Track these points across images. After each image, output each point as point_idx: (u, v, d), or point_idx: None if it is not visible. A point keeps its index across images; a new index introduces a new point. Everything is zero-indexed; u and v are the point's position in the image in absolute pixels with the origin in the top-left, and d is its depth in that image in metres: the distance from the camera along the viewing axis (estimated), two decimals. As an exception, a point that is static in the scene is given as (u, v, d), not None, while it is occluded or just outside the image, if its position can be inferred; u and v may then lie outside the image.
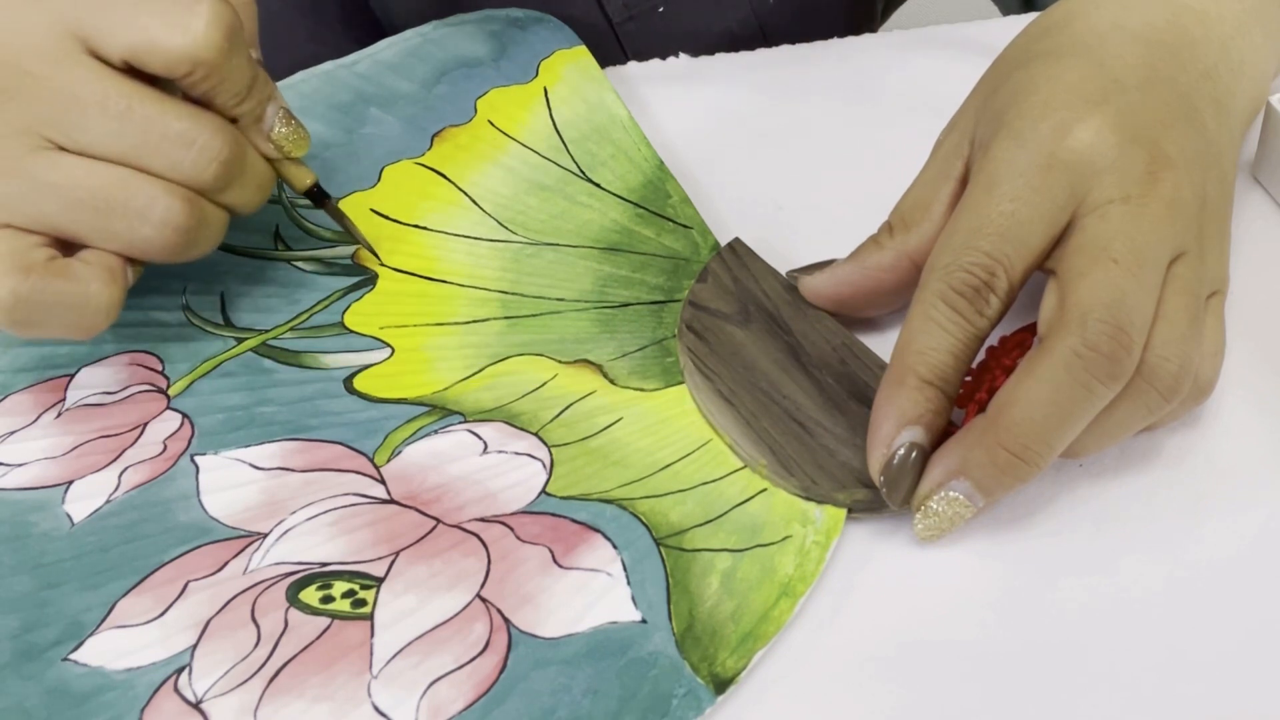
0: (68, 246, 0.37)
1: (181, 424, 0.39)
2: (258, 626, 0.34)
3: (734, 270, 0.42)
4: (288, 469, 0.38)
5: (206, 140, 0.37)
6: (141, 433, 0.39)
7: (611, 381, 0.40)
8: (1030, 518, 0.36)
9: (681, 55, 0.52)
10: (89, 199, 0.36)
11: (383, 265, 0.44)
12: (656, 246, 0.44)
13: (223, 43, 0.36)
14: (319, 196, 0.42)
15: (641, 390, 0.40)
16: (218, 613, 0.34)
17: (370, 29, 0.62)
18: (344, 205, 0.46)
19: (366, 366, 0.41)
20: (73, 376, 0.41)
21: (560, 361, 0.40)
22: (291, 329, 0.42)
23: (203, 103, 0.38)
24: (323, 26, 0.62)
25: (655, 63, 0.52)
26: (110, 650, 0.33)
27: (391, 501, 0.37)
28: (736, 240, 0.43)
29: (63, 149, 0.36)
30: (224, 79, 0.37)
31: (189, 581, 0.35)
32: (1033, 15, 0.42)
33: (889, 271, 0.39)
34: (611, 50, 0.58)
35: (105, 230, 0.37)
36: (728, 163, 0.48)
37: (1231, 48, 0.39)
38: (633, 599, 0.34)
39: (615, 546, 0.35)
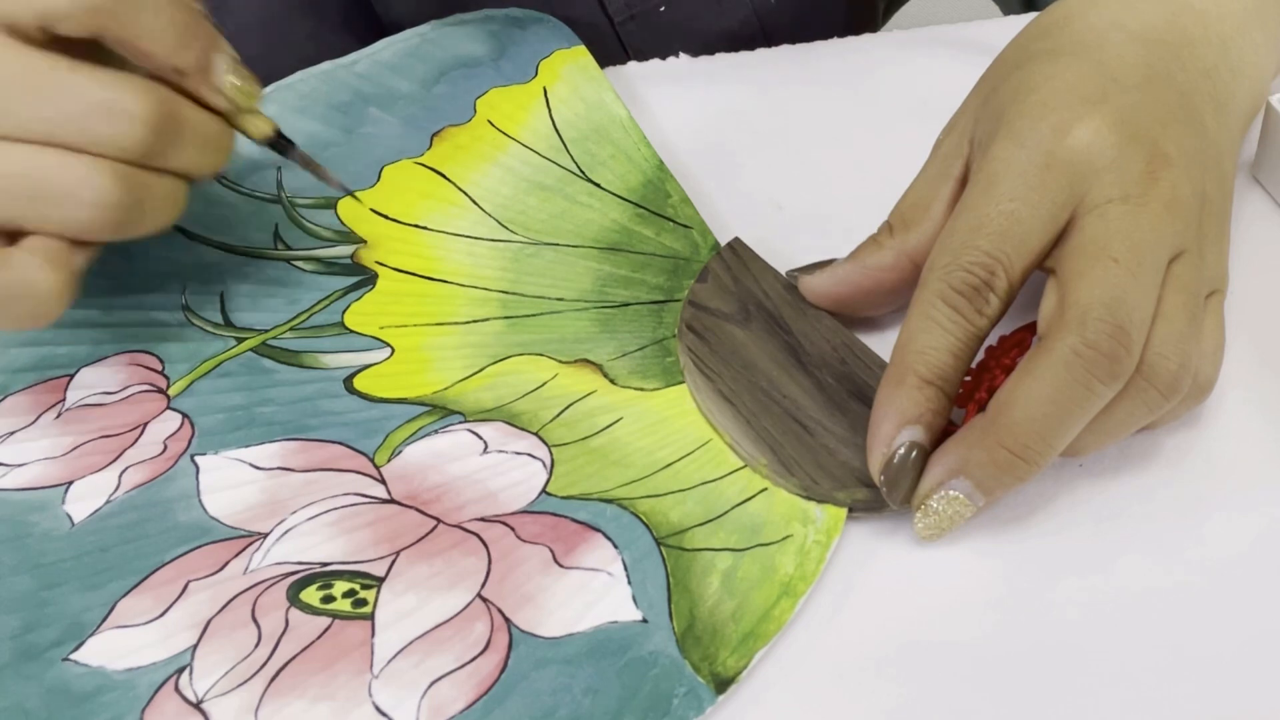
0: (13, 235, 0.36)
1: (181, 424, 0.39)
2: (258, 626, 0.34)
3: (734, 270, 0.42)
4: (288, 469, 0.38)
5: (127, 105, 0.35)
6: (141, 433, 0.39)
7: (611, 381, 0.40)
8: (1030, 518, 0.36)
9: (681, 55, 0.52)
10: (13, 186, 0.35)
11: (356, 198, 0.44)
12: (656, 246, 0.44)
13: None
14: (282, 145, 0.41)
15: (642, 390, 0.40)
16: (218, 613, 0.34)
17: (371, 28, 0.62)
18: (343, 205, 0.46)
19: (366, 366, 0.41)
20: (72, 377, 0.41)
21: (560, 361, 0.40)
22: (291, 329, 0.42)
23: (138, 63, 0.36)
24: (323, 26, 0.62)
25: (655, 63, 0.52)
26: (111, 650, 0.33)
27: (392, 501, 0.37)
28: (736, 240, 0.43)
29: None
30: (137, 26, 0.35)
31: (189, 581, 0.35)
32: (1033, 15, 0.42)
33: (889, 271, 0.39)
34: (612, 49, 0.58)
35: (38, 215, 0.35)
36: (728, 163, 0.48)
37: (1231, 47, 0.39)
38: (633, 598, 0.34)
39: (616, 546, 0.35)
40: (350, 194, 0.43)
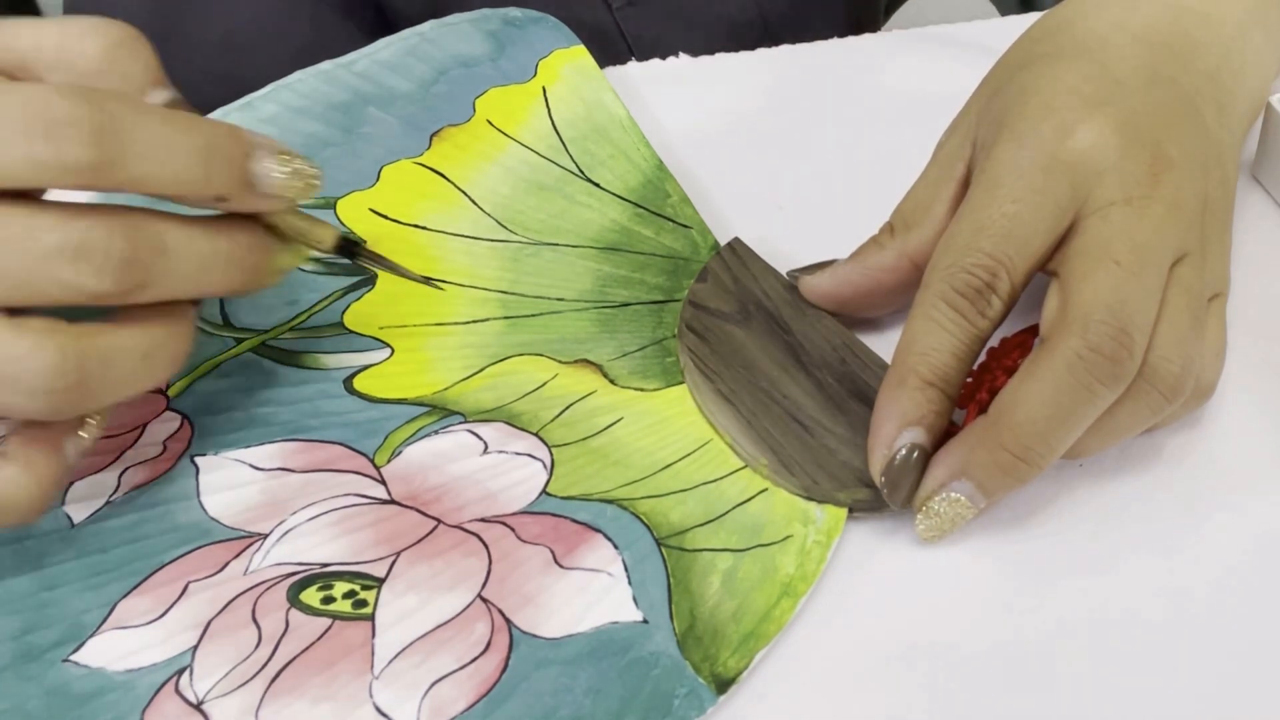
0: None
1: (181, 424, 0.39)
2: (259, 627, 0.34)
3: (734, 270, 0.42)
4: (288, 469, 0.38)
5: (89, 242, 0.28)
6: (141, 433, 0.39)
7: (612, 381, 0.40)
8: (1030, 518, 0.36)
9: (681, 55, 0.52)
10: None
11: (439, 287, 0.42)
12: (656, 246, 0.44)
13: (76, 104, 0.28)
14: (350, 248, 0.37)
15: (642, 390, 0.40)
16: (218, 614, 0.34)
17: (371, 18, 0.61)
18: (342, 205, 0.46)
19: (366, 367, 0.41)
20: (72, 376, 0.40)
21: (560, 361, 0.40)
22: (291, 329, 0.42)
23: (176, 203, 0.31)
24: (322, 7, 0.61)
25: (655, 63, 0.52)
26: (111, 651, 0.33)
27: (392, 502, 0.36)
28: (736, 240, 0.43)
29: None
30: (146, 172, 0.29)
31: (189, 582, 0.35)
32: (1031, 16, 0.42)
33: (889, 272, 0.39)
34: (612, 38, 0.57)
35: None
36: (728, 163, 0.48)
37: (1233, 49, 0.39)
38: (634, 599, 0.34)
39: (616, 546, 0.35)
40: (430, 283, 0.40)
